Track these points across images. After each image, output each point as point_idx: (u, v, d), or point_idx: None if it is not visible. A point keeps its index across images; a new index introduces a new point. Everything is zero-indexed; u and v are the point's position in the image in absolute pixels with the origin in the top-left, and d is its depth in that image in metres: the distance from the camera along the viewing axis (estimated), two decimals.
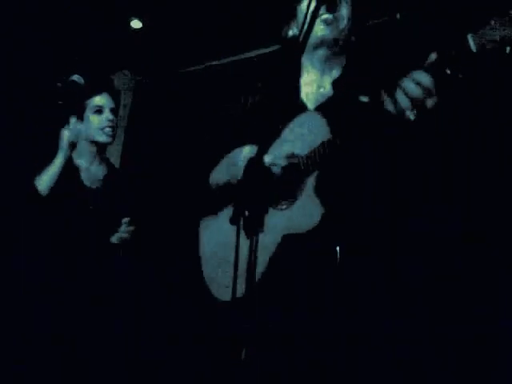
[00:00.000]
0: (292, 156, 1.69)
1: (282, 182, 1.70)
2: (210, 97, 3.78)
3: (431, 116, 1.46)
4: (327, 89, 1.80)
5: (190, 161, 3.26)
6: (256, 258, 1.36)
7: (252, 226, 1.58)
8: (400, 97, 1.44)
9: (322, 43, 1.75)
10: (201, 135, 3.56)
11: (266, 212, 1.61)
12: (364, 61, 1.85)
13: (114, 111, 2.73)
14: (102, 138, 2.68)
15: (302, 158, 1.65)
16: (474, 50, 1.36)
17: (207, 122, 3.68)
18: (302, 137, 1.68)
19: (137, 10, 3.68)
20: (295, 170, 1.66)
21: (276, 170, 1.70)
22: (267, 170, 1.66)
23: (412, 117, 1.43)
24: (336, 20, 1.73)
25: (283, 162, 1.70)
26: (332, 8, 1.71)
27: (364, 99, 1.57)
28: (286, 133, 1.75)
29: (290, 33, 1.85)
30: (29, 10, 3.33)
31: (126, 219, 2.61)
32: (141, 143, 4.03)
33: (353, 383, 1.53)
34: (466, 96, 1.55)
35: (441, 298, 2.07)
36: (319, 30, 1.72)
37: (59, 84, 2.63)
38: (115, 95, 2.84)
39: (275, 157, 1.68)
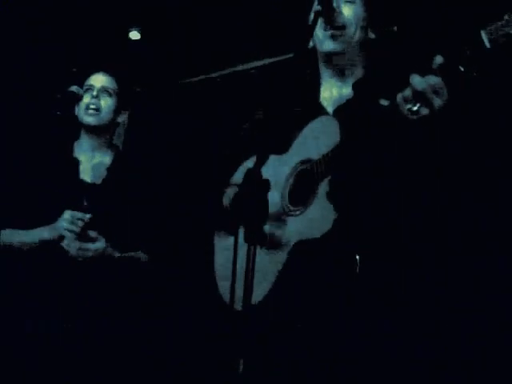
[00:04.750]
0: (306, 161, 1.67)
1: (295, 188, 1.68)
2: (210, 108, 3.77)
3: (444, 116, 1.41)
4: (347, 92, 1.77)
5: (199, 173, 3.16)
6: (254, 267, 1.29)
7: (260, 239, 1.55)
8: (407, 92, 1.39)
9: (333, 56, 1.74)
10: (204, 146, 3.53)
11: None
12: (383, 62, 1.82)
13: (107, 91, 2.41)
14: (85, 119, 2.38)
15: (315, 163, 1.62)
16: (488, 47, 1.33)
17: (208, 134, 3.67)
18: (316, 142, 1.65)
19: (135, 22, 3.69)
20: (308, 176, 1.63)
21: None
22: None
23: (415, 108, 1.38)
24: (343, 30, 1.69)
25: (298, 168, 1.68)
26: (333, 21, 1.67)
27: (384, 103, 1.52)
28: (302, 138, 1.73)
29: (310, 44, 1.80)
30: (27, 20, 3.32)
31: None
32: (140, 153, 3.98)
33: None
34: (482, 93, 1.50)
35: (464, 304, 2.02)
36: (328, 44, 1.70)
37: (58, 95, 2.57)
38: (119, 76, 2.51)
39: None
